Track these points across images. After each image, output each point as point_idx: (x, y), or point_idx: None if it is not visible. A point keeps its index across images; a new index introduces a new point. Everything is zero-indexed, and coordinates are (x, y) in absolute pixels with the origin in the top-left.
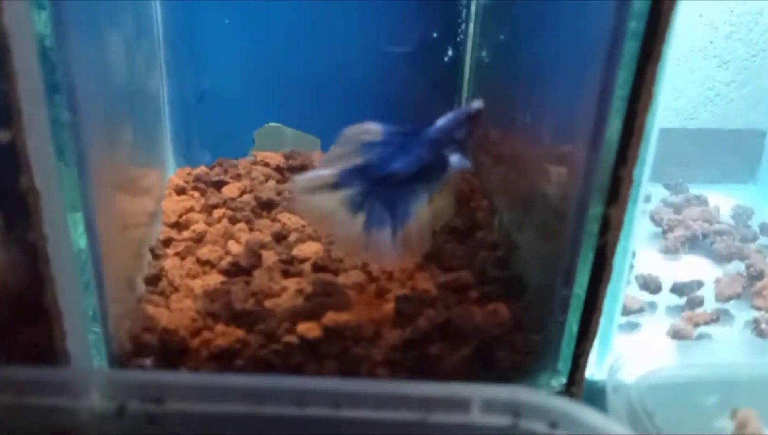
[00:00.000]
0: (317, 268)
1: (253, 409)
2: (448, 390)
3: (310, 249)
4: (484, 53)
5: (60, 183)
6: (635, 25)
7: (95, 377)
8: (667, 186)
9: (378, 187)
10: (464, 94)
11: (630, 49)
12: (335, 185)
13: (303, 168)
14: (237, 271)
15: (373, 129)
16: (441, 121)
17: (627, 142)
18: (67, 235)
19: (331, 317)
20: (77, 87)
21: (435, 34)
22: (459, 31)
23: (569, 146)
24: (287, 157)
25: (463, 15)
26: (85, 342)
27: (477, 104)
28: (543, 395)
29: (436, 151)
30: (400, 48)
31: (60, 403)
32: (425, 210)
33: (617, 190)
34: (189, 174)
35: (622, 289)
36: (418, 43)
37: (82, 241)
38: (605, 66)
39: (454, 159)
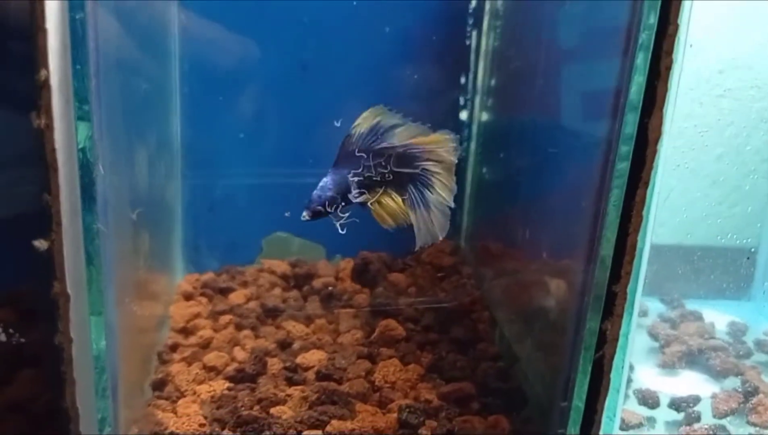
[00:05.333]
0: (321, 376)
1: None
2: None
3: (314, 357)
4: (484, 169)
5: (87, 287)
6: (626, 149)
7: None
8: (663, 301)
9: None
10: (465, 208)
11: (618, 181)
12: None
13: (308, 276)
14: (242, 377)
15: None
16: None
17: (620, 260)
18: (88, 338)
19: (335, 426)
20: (110, 199)
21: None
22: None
23: (566, 262)
24: (293, 266)
25: (465, 133)
26: None
27: None
28: None
29: None
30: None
31: None
32: None
33: (612, 305)
34: (197, 280)
35: (620, 402)
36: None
37: (101, 345)
38: (597, 190)
39: None
